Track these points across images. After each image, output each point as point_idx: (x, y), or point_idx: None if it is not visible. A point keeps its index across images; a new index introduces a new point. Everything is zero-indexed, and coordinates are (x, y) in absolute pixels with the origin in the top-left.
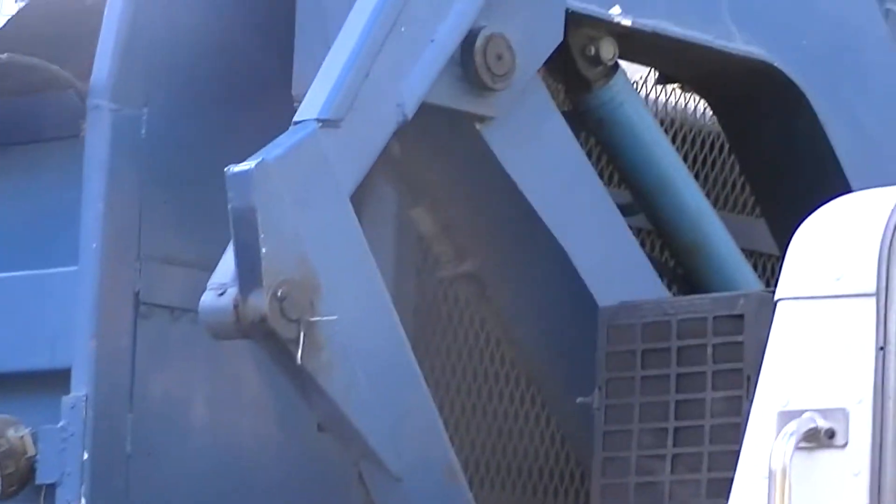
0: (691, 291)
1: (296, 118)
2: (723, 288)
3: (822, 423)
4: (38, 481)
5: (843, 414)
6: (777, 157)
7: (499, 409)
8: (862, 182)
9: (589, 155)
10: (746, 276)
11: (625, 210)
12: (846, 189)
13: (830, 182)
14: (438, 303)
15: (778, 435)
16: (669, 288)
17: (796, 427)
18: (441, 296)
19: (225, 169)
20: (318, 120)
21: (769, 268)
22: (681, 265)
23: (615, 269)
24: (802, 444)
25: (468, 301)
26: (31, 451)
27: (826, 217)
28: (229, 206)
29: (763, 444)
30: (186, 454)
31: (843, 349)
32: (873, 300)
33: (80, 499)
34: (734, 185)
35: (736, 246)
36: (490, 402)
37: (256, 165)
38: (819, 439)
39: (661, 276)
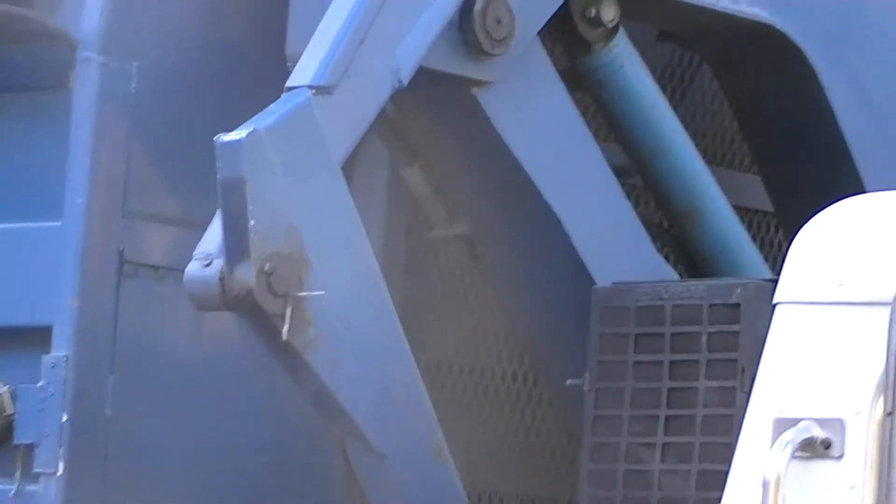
0: (684, 255)
1: (288, 83)
2: (717, 253)
3: (819, 433)
4: (15, 441)
5: (841, 424)
6: (777, 120)
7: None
8: (862, 146)
9: (584, 113)
10: (741, 242)
11: (620, 171)
12: (846, 154)
13: (830, 146)
14: (430, 263)
15: (774, 443)
16: (661, 250)
17: (792, 436)
18: (432, 256)
19: (214, 138)
20: (310, 87)
21: (763, 226)
22: (675, 227)
23: (612, 242)
24: (798, 454)
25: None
26: (9, 410)
27: (830, 220)
28: (218, 176)
29: (758, 451)
30: (167, 418)
31: (843, 358)
32: (876, 309)
33: (58, 461)
34: (731, 140)
35: (732, 211)
36: (480, 371)
37: (247, 135)
38: (815, 449)
39: (654, 239)
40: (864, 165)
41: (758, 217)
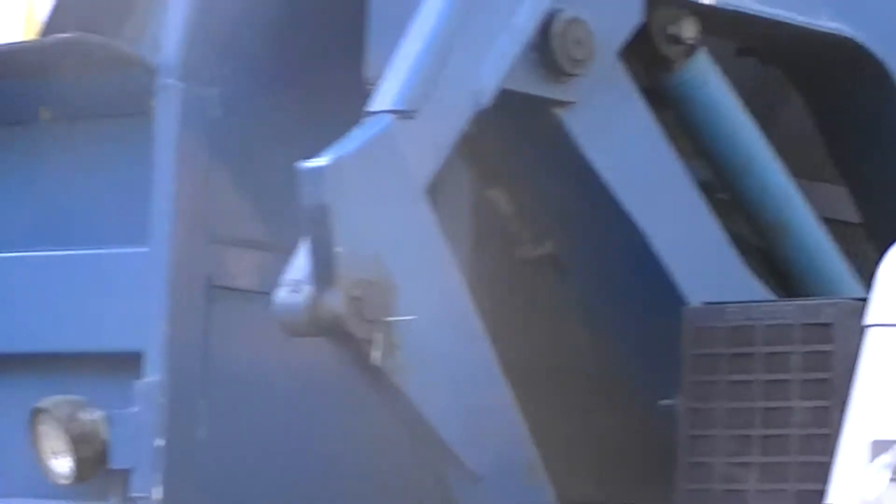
0: (774, 271)
1: (370, 108)
2: (806, 267)
3: None
4: (110, 467)
5: None
6: (860, 130)
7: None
8: None
9: (667, 130)
10: (831, 256)
11: (706, 187)
12: None
13: None
14: (517, 284)
15: (872, 465)
16: (750, 267)
17: (890, 459)
18: (520, 277)
19: (296, 165)
20: (392, 111)
21: (854, 237)
22: (764, 243)
23: (701, 261)
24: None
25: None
26: (103, 436)
27: None
28: (302, 203)
29: (855, 473)
30: (261, 441)
31: None
32: None
33: (156, 486)
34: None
35: (820, 225)
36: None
37: (329, 162)
38: None
39: (743, 255)
40: None
41: (849, 229)
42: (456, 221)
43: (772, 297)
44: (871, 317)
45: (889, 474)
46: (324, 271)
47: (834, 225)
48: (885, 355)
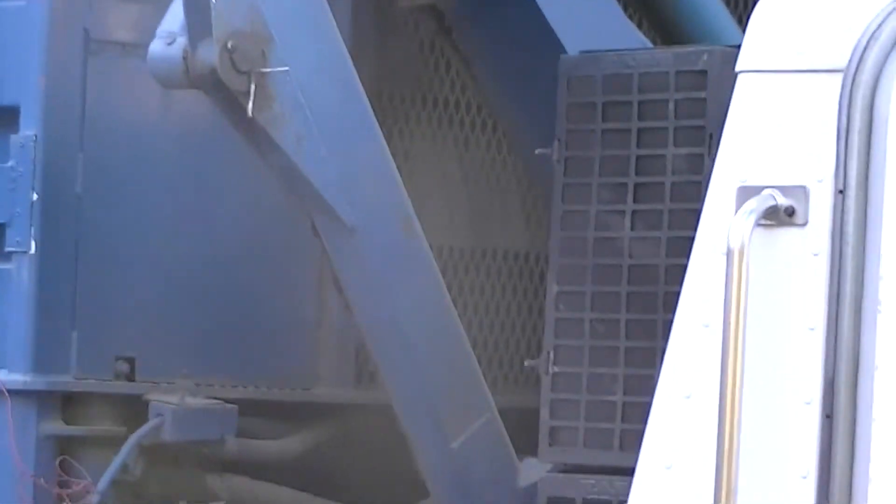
0: (663, 25)
1: None
2: (689, 17)
3: (782, 201)
4: None
5: (804, 192)
6: None
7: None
8: None
9: None
10: (713, 5)
11: None
12: None
13: None
14: (399, 37)
15: (737, 211)
16: (639, 22)
17: (756, 204)
18: (402, 29)
19: None
20: None
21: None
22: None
23: (581, 9)
24: (762, 222)
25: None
26: None
27: None
28: None
29: (722, 219)
30: (138, 196)
31: (805, 126)
32: (834, 76)
33: (29, 240)
34: None
35: None
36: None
37: None
38: (779, 217)
39: (630, 8)
40: None
41: None
42: None
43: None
44: (741, 63)
45: (754, 219)
46: (199, 23)
47: None
48: (754, 101)
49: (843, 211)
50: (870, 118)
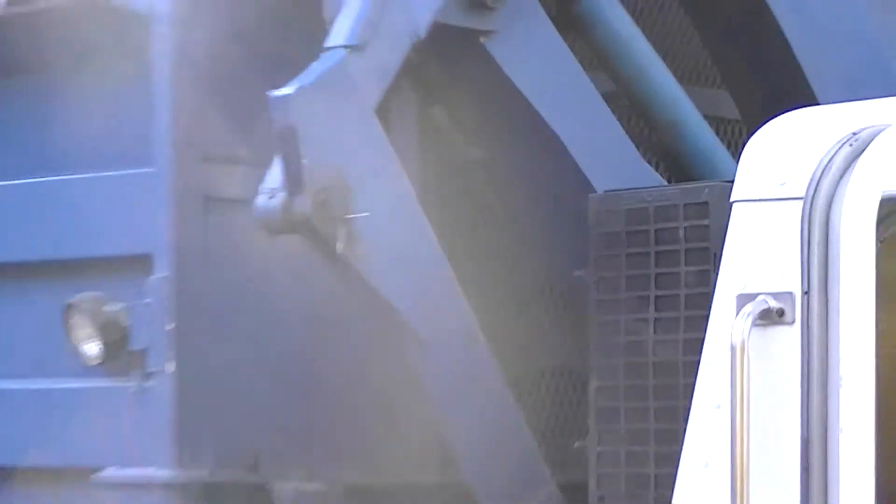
0: (674, 165)
1: (327, 44)
2: (695, 157)
3: (774, 304)
4: (131, 348)
5: (791, 297)
6: (734, 39)
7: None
8: (813, 65)
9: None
10: (714, 146)
11: (609, 97)
12: (798, 70)
13: (783, 63)
14: (455, 185)
15: (737, 315)
16: (656, 164)
17: (752, 308)
18: (457, 179)
19: (267, 93)
20: (345, 46)
21: (730, 131)
22: (662, 141)
23: (606, 156)
24: (758, 322)
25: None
26: (123, 323)
27: (774, 130)
28: (273, 125)
29: (725, 323)
30: (251, 322)
31: (787, 243)
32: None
33: (168, 361)
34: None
35: (703, 121)
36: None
37: (295, 90)
38: (771, 318)
39: (648, 153)
40: (816, 82)
41: (731, 125)
42: (403, 135)
43: (664, 182)
44: (735, 194)
45: (752, 321)
46: (294, 181)
47: (716, 121)
48: (747, 226)
49: (808, 308)
50: (826, 233)
